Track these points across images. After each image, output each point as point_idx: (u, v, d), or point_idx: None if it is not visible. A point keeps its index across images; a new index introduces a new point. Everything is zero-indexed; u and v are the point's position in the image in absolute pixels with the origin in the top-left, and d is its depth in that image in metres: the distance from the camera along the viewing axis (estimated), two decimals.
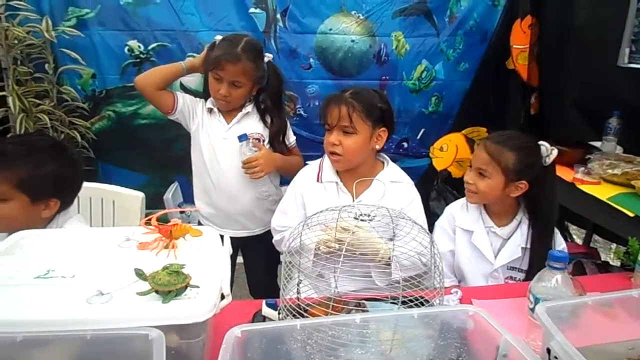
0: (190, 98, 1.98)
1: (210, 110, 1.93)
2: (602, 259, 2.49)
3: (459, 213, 1.70)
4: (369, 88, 1.66)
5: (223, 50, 1.79)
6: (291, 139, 2.06)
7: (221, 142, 1.91)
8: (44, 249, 1.02)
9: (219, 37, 1.89)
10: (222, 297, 0.89)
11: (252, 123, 1.94)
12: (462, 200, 1.73)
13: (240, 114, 1.92)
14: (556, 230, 1.65)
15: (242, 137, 1.84)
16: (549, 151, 1.57)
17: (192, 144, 2.00)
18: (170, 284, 0.84)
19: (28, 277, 0.89)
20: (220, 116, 1.93)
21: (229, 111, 1.93)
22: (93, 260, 0.98)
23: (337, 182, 1.64)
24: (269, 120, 1.96)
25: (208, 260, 0.98)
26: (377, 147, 1.62)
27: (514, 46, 2.73)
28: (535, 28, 2.69)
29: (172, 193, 2.44)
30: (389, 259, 1.26)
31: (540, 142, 1.58)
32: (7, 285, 0.86)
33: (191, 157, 2.02)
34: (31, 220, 1.37)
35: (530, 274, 1.57)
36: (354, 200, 1.61)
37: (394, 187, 1.63)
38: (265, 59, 1.90)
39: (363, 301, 1.15)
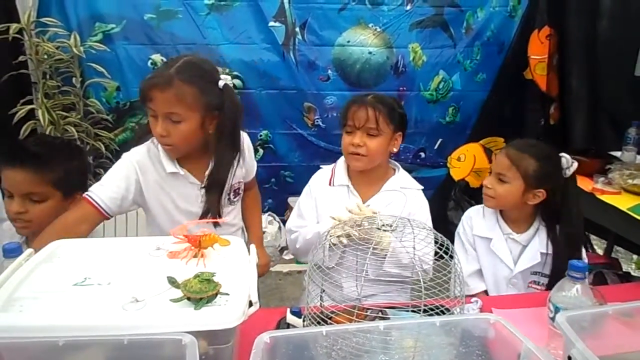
0: (119, 190, 1.43)
1: (174, 175, 1.48)
2: (624, 270, 2.47)
3: (476, 220, 1.72)
4: (384, 94, 1.71)
5: (152, 75, 1.38)
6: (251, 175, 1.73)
7: (199, 207, 1.50)
8: (80, 257, 1.06)
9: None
10: (250, 304, 0.92)
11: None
12: (478, 208, 1.75)
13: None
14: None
15: None
16: (569, 163, 1.59)
17: (146, 213, 1.55)
18: (202, 292, 0.88)
19: (67, 284, 0.94)
20: (190, 176, 1.50)
21: (196, 168, 1.50)
22: (126, 268, 1.02)
23: (347, 186, 1.68)
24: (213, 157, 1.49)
25: (236, 269, 1.01)
26: (395, 150, 1.66)
27: (532, 57, 2.75)
28: (553, 39, 2.70)
29: None
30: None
31: (561, 154, 1.60)
32: (48, 291, 0.91)
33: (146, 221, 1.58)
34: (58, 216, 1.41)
35: (553, 280, 1.58)
36: (363, 203, 1.65)
37: (403, 193, 1.67)
38: (220, 83, 1.44)
39: (384, 309, 1.18)
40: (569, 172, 1.59)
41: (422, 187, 1.73)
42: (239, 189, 1.62)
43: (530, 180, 1.57)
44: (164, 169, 1.47)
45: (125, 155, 1.49)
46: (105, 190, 1.41)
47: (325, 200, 1.69)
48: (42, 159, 1.40)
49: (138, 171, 1.46)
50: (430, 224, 1.70)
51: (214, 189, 1.48)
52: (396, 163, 1.76)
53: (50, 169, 1.40)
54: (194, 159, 1.50)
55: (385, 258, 1.33)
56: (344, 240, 1.16)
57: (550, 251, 1.61)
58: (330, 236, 1.24)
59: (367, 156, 1.60)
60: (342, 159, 1.73)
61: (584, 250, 1.67)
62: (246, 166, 1.64)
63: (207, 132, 1.45)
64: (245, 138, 1.61)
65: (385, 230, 1.09)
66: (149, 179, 1.47)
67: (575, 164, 1.60)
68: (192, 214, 1.50)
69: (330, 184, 1.70)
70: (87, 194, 1.40)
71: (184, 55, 1.46)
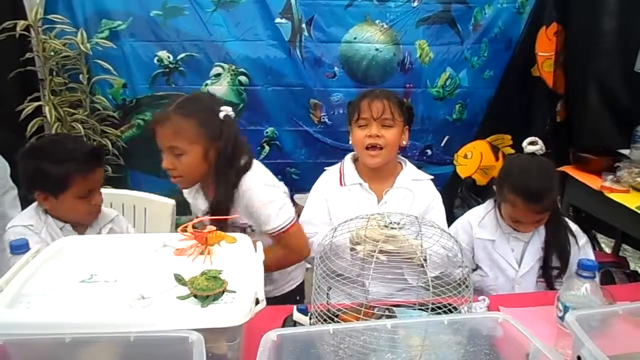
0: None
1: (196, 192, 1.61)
2: (632, 268, 2.46)
3: (476, 225, 1.70)
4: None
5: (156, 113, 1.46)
6: (278, 220, 1.51)
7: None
8: (86, 254, 1.07)
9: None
10: (257, 301, 0.92)
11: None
12: (475, 213, 1.73)
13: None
14: (578, 230, 1.66)
15: None
16: (542, 149, 1.58)
17: None
18: (209, 289, 0.88)
19: (74, 281, 0.94)
20: (199, 201, 1.59)
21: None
22: (133, 265, 1.02)
23: (360, 184, 1.66)
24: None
25: (242, 267, 1.01)
26: (404, 143, 1.66)
27: (539, 53, 2.73)
28: (560, 35, 2.68)
29: None
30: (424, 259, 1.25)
31: (531, 146, 1.56)
32: (56, 288, 0.91)
33: None
34: None
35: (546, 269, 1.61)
36: (379, 202, 1.64)
37: (416, 185, 1.66)
38: (221, 115, 1.44)
39: (391, 307, 1.17)
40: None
41: (432, 177, 1.73)
42: (245, 229, 1.54)
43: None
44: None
45: None
46: None
47: (338, 201, 1.66)
48: (100, 155, 1.55)
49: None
50: (444, 216, 1.71)
51: (217, 215, 1.44)
52: (402, 157, 1.75)
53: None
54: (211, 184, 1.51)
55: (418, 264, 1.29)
56: (381, 257, 1.13)
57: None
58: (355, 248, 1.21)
59: (384, 148, 1.59)
60: (348, 158, 1.72)
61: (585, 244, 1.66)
62: (251, 213, 1.51)
63: (211, 162, 1.46)
64: (252, 188, 1.49)
65: (392, 228, 1.08)
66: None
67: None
68: None
69: (341, 184, 1.68)
70: None
71: (201, 94, 1.61)
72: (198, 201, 1.59)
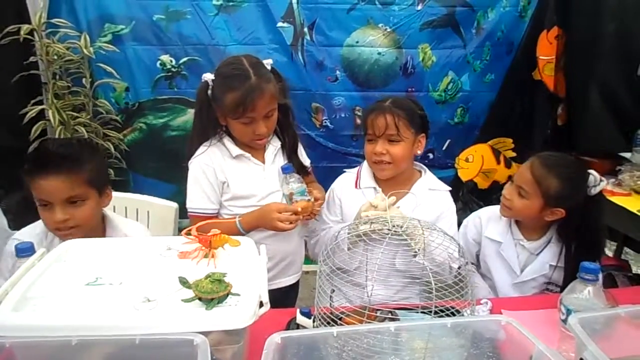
0: (210, 188, 1.63)
1: (239, 158, 1.64)
2: (634, 272, 2.46)
3: (488, 223, 1.71)
4: (403, 97, 1.69)
5: (241, 89, 1.48)
6: (307, 161, 1.81)
7: (261, 183, 1.65)
8: (91, 257, 1.07)
9: (208, 76, 1.58)
10: (261, 304, 0.93)
11: (282, 154, 1.73)
12: (490, 210, 1.74)
13: (272, 148, 1.69)
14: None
15: (287, 169, 1.62)
16: (596, 182, 1.51)
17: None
18: (213, 292, 0.88)
19: (79, 284, 0.95)
20: (251, 157, 1.66)
21: (255, 151, 1.67)
22: (137, 268, 1.02)
23: (375, 188, 1.66)
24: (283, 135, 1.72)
25: (246, 270, 1.01)
26: (419, 152, 1.65)
27: (540, 57, 2.73)
28: (561, 39, 2.69)
29: None
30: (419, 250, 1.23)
31: (590, 171, 1.52)
32: (61, 291, 0.92)
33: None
34: (98, 215, 1.46)
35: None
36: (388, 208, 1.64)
37: (431, 194, 1.66)
38: (268, 67, 1.60)
39: (394, 310, 1.17)
40: (594, 191, 1.51)
41: (450, 189, 1.72)
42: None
43: (550, 200, 1.51)
44: (230, 154, 1.62)
45: (192, 164, 1.63)
46: (199, 200, 1.63)
47: (351, 202, 1.66)
48: (73, 160, 1.36)
49: (210, 164, 1.61)
50: (455, 228, 1.70)
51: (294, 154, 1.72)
52: (422, 165, 1.75)
53: (83, 169, 1.36)
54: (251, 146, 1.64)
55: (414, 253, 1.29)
56: (374, 236, 1.12)
57: (561, 264, 1.58)
58: (349, 234, 1.23)
59: (391, 163, 1.59)
60: (366, 162, 1.73)
61: None
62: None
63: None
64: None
65: (396, 232, 1.09)
66: (220, 164, 1.62)
67: (604, 183, 1.52)
68: (256, 186, 1.65)
69: (356, 187, 1.69)
70: (190, 211, 1.64)
71: (236, 58, 1.59)
72: (245, 166, 1.65)
